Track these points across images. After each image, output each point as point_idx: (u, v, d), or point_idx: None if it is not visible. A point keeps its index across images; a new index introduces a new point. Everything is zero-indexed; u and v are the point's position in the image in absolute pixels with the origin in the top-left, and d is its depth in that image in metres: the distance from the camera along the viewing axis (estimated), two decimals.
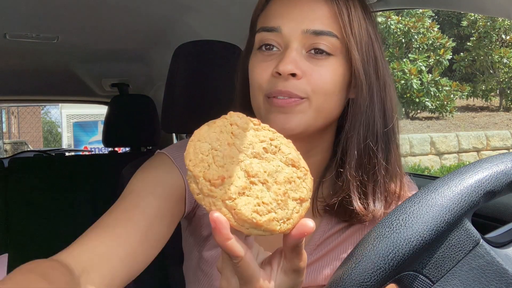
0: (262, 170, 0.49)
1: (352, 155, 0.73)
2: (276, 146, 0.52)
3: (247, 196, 0.47)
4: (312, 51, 0.70)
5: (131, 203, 0.71)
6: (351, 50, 0.70)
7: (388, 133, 0.75)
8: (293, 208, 0.49)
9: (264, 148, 0.51)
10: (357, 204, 0.73)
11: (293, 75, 0.69)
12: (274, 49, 0.72)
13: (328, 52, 0.70)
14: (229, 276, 0.51)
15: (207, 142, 0.49)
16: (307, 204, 0.50)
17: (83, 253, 0.63)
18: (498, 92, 9.60)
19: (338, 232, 0.79)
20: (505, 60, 8.89)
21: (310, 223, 0.48)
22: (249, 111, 0.75)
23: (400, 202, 0.74)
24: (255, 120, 0.53)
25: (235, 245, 0.46)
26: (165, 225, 0.72)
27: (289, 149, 0.53)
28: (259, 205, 0.47)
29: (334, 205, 0.75)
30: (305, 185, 0.51)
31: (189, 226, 0.85)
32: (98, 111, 7.63)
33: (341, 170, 0.75)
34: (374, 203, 0.74)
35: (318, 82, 0.69)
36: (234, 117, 0.53)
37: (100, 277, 0.61)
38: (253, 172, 0.48)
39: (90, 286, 0.59)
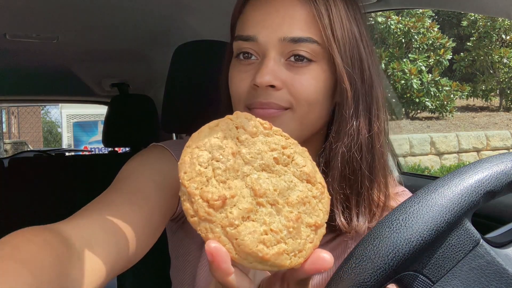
0: (272, 188, 0.41)
1: (336, 167, 0.68)
2: (289, 156, 0.44)
3: (253, 221, 0.39)
4: (292, 59, 0.66)
5: (131, 186, 0.65)
6: (334, 55, 0.65)
7: (372, 140, 0.70)
8: (306, 237, 0.41)
9: (275, 158, 0.43)
10: (339, 220, 0.69)
11: (272, 86, 0.65)
12: (253, 57, 0.68)
13: (309, 58, 0.65)
14: None
15: (207, 150, 0.41)
16: (322, 231, 0.43)
17: (88, 225, 0.54)
18: (498, 92, 9.60)
19: (323, 246, 0.76)
20: (505, 60, 8.88)
21: (327, 257, 0.42)
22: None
23: (385, 213, 0.71)
24: (266, 123, 0.45)
25: (236, 281, 0.40)
26: (162, 216, 0.65)
27: (304, 159, 0.44)
28: (266, 234, 0.39)
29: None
30: (321, 207, 0.43)
31: (179, 232, 0.81)
32: (98, 111, 7.63)
33: None
34: (357, 217, 0.70)
35: (300, 91, 0.65)
36: (241, 118, 0.44)
37: (106, 252, 0.53)
38: (261, 190, 0.40)
39: (96, 259, 0.51)
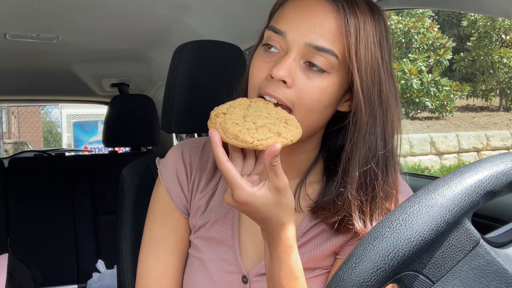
0: (257, 117, 0.68)
1: (354, 176, 0.75)
2: (279, 115, 0.69)
3: (238, 125, 0.66)
4: (309, 64, 0.72)
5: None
6: (353, 72, 0.71)
7: (387, 155, 0.77)
8: (269, 136, 0.65)
9: (269, 113, 0.69)
10: (357, 224, 0.76)
11: (284, 82, 0.71)
12: (277, 51, 0.74)
13: (323, 69, 0.72)
14: (227, 189, 0.68)
15: (228, 104, 0.71)
16: (283, 140, 0.66)
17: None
18: (498, 92, 9.60)
19: (321, 222, 0.83)
20: (505, 60, 8.88)
21: (276, 145, 0.63)
22: None
23: None
24: (272, 104, 0.71)
25: (221, 151, 0.65)
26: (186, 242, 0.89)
27: (290, 116, 0.70)
28: (243, 129, 0.65)
29: (335, 223, 0.78)
30: (288, 130, 0.67)
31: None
32: (98, 111, 7.63)
33: (342, 190, 0.77)
34: (371, 222, 0.76)
35: (305, 96, 0.72)
36: (256, 98, 0.73)
37: None
38: (248, 115, 0.68)
39: None
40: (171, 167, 0.88)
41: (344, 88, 0.75)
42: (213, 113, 0.70)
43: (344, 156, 0.76)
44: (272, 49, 0.75)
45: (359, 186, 0.75)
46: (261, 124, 0.66)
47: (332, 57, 0.71)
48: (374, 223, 0.76)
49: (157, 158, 0.93)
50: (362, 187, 0.75)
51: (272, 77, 0.71)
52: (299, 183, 0.83)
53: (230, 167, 0.65)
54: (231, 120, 0.67)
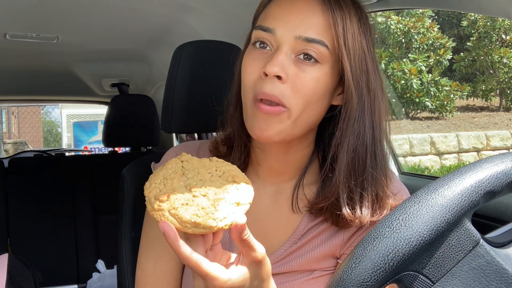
0: (204, 187, 0.59)
1: (342, 161, 0.76)
2: (221, 171, 0.63)
3: (190, 206, 0.57)
4: (301, 56, 0.73)
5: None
6: (343, 60, 0.73)
7: (375, 144, 0.78)
8: (229, 210, 0.58)
9: (209, 172, 0.62)
10: (345, 209, 0.76)
11: (279, 77, 0.71)
12: (267, 48, 0.75)
13: (316, 59, 0.73)
14: (196, 276, 0.61)
15: (161, 175, 0.62)
16: (244, 207, 0.60)
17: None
18: (498, 92, 9.59)
19: (319, 223, 0.83)
20: (505, 60, 8.86)
21: (239, 220, 0.57)
22: (240, 106, 0.80)
23: (385, 212, 0.79)
24: (206, 159, 0.65)
25: (182, 246, 0.56)
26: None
27: (231, 167, 0.64)
28: (198, 210, 0.57)
29: (322, 208, 0.79)
30: (242, 192, 0.61)
31: None
32: (98, 111, 7.63)
33: (331, 175, 0.78)
34: (361, 209, 0.77)
35: (300, 88, 0.72)
36: (185, 156, 0.65)
37: None
38: (191, 185, 0.59)
39: None
40: None
41: (336, 79, 0.76)
42: (151, 196, 0.60)
43: (334, 143, 0.77)
44: (263, 47, 0.75)
45: (348, 172, 0.76)
46: (212, 195, 0.59)
47: (322, 48, 0.72)
48: (364, 210, 0.77)
49: (153, 163, 0.93)
50: (350, 173, 0.76)
51: (267, 75, 0.71)
52: (296, 184, 0.83)
53: (199, 259, 0.57)
54: (179, 201, 0.58)
